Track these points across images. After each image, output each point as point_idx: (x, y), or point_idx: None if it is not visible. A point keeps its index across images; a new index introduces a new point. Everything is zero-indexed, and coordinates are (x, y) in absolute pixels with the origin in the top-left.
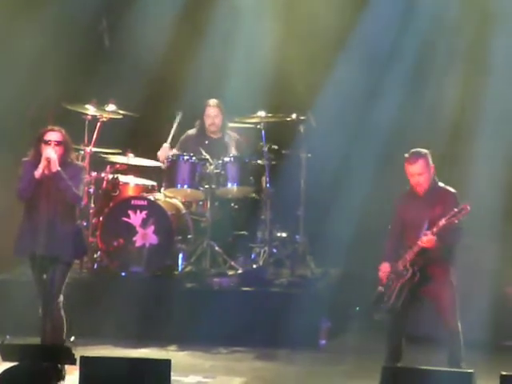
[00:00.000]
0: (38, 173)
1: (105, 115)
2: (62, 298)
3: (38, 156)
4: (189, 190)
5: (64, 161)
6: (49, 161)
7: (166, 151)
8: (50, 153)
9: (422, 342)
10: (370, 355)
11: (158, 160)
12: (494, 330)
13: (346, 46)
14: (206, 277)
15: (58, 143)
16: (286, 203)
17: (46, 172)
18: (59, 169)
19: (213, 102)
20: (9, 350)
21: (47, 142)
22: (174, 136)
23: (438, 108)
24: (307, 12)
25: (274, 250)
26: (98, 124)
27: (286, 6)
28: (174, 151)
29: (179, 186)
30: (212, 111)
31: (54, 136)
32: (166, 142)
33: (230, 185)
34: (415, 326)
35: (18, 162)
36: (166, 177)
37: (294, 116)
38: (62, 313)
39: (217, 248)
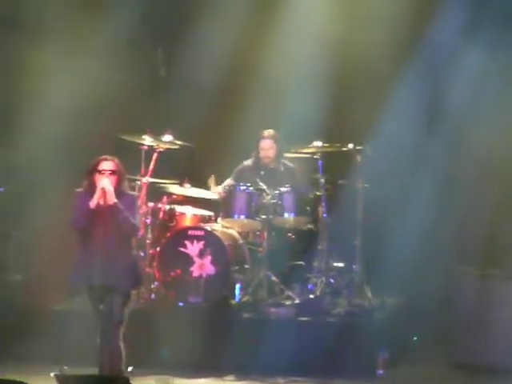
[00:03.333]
0: (93, 203)
1: (161, 145)
2: (121, 328)
3: (92, 186)
4: (245, 220)
5: (118, 191)
6: (104, 192)
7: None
8: (106, 184)
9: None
10: None
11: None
12: None
13: (402, 78)
14: (263, 307)
15: (112, 172)
16: (342, 233)
17: (102, 203)
18: (116, 201)
19: (267, 133)
20: (66, 380)
21: (101, 172)
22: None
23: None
24: (364, 41)
25: (331, 280)
26: (155, 154)
27: (342, 37)
28: (230, 181)
29: (236, 216)
30: (266, 143)
31: (108, 165)
32: (221, 172)
33: (286, 215)
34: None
35: (71, 191)
36: (222, 207)
37: (350, 146)
38: (121, 343)
39: (273, 278)
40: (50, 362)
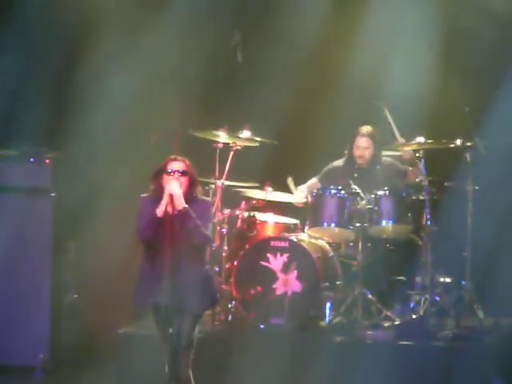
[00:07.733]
0: (160, 210)
1: (238, 143)
2: (191, 354)
3: (160, 190)
4: (337, 230)
5: (189, 196)
6: (173, 196)
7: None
8: (175, 187)
9: None
10: None
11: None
12: None
13: None
14: (358, 329)
15: (182, 174)
16: (449, 243)
17: (170, 210)
18: (186, 206)
19: (365, 130)
20: None
21: (170, 173)
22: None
23: None
24: (470, 27)
25: (437, 298)
26: (231, 153)
27: (446, 22)
28: (315, 182)
29: (325, 224)
30: (362, 142)
31: (177, 166)
32: (305, 175)
33: (384, 222)
34: None
35: (136, 198)
36: (310, 214)
37: (458, 142)
38: (190, 372)
39: (370, 296)
40: None
